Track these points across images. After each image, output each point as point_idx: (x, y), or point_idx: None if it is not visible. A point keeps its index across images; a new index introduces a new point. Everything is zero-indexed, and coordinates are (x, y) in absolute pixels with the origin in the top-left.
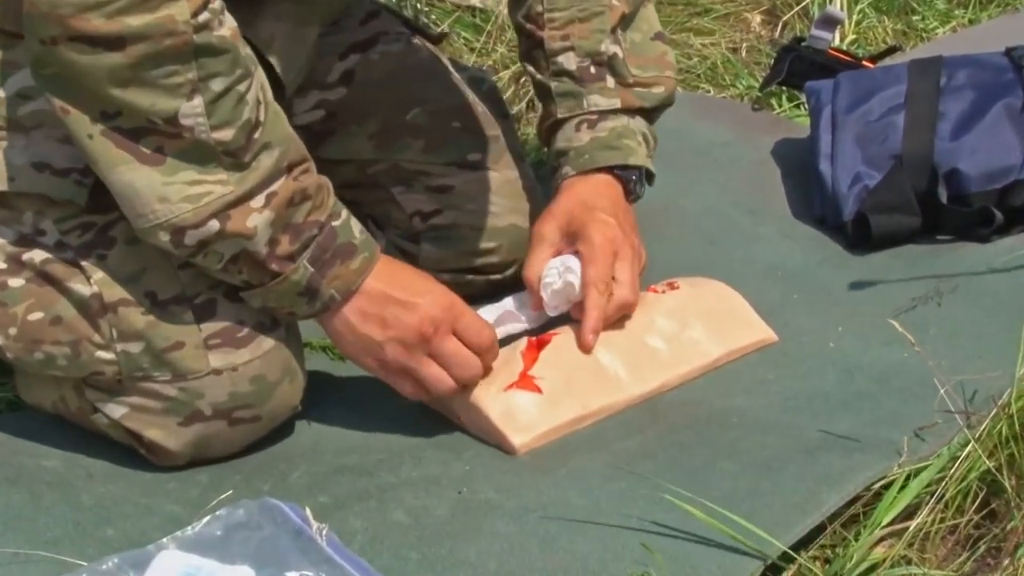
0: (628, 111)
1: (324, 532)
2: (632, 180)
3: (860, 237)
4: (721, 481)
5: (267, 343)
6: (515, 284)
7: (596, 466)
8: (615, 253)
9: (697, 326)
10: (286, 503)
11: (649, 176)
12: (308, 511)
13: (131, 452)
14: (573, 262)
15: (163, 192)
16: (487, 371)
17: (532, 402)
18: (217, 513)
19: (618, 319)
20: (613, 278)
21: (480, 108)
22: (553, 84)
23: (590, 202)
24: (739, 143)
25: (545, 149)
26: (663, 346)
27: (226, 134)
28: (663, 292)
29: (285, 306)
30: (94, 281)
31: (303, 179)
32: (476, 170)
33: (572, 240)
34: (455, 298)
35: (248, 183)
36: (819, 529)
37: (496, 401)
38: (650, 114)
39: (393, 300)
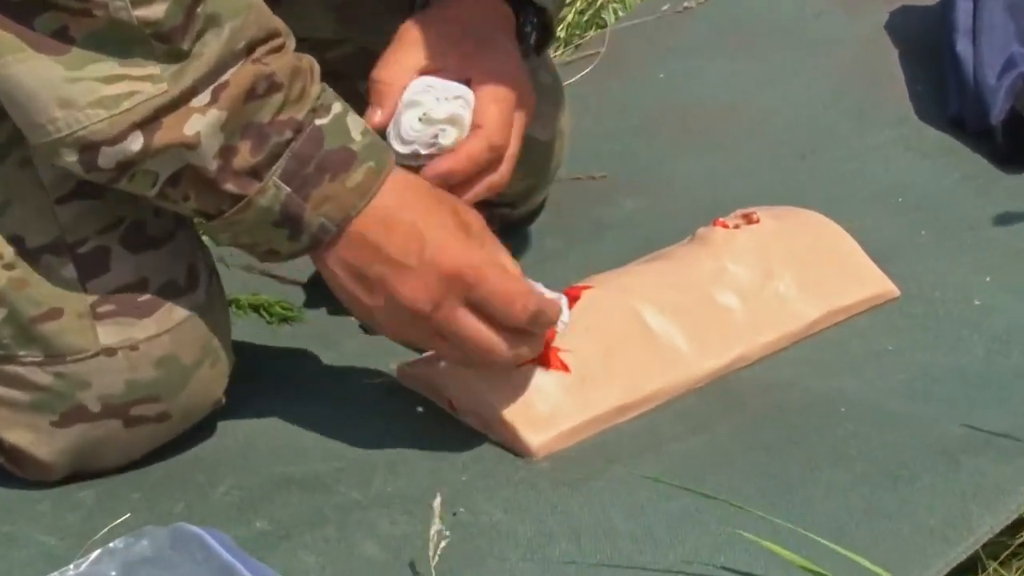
0: None
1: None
2: (528, 22)
3: (1014, 146)
4: (826, 498)
5: (180, 311)
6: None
7: (647, 476)
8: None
9: (786, 276)
10: (208, 530)
11: (545, 30)
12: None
13: None
14: (468, 93)
15: (66, 92)
16: (523, 356)
17: (556, 385)
18: (110, 546)
19: (670, 266)
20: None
21: None
22: None
23: (485, 35)
24: (840, 13)
25: None
26: (738, 304)
27: (155, 10)
28: (736, 227)
29: (260, 242)
30: None
31: (270, 61)
32: None
33: (452, 68)
34: (472, 254)
35: (187, 78)
36: (969, 568)
37: (505, 382)
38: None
39: (381, 255)
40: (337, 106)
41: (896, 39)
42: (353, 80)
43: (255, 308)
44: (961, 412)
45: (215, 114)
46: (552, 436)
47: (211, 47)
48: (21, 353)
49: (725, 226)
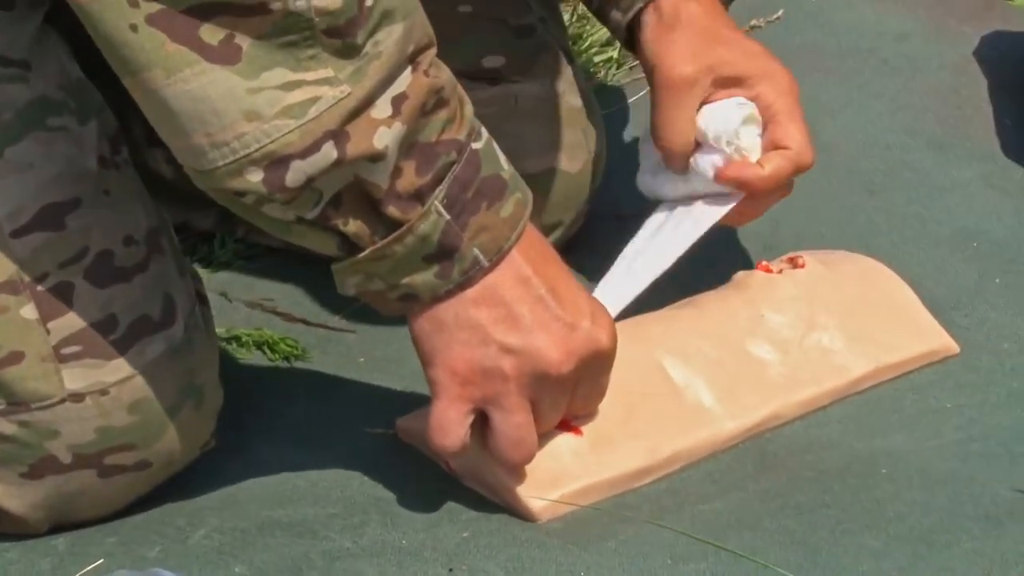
0: None
1: None
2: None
3: None
4: (856, 562)
5: (154, 348)
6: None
7: (665, 537)
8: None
9: (831, 326)
10: (180, 575)
11: None
12: None
13: None
14: (751, 108)
15: (251, 104)
16: None
17: (565, 446)
18: None
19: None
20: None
21: None
22: None
23: (727, 35)
24: (926, 36)
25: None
26: (774, 356)
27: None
28: (779, 272)
29: (400, 283)
30: None
31: (436, 74)
32: (496, 83)
33: (724, 84)
34: (616, 333)
35: (367, 80)
36: None
37: None
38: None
39: (539, 298)
40: (484, 131)
41: (986, 68)
42: None
43: (259, 345)
44: (1016, 474)
45: (399, 128)
46: (555, 499)
47: (387, 46)
48: None
49: (767, 270)
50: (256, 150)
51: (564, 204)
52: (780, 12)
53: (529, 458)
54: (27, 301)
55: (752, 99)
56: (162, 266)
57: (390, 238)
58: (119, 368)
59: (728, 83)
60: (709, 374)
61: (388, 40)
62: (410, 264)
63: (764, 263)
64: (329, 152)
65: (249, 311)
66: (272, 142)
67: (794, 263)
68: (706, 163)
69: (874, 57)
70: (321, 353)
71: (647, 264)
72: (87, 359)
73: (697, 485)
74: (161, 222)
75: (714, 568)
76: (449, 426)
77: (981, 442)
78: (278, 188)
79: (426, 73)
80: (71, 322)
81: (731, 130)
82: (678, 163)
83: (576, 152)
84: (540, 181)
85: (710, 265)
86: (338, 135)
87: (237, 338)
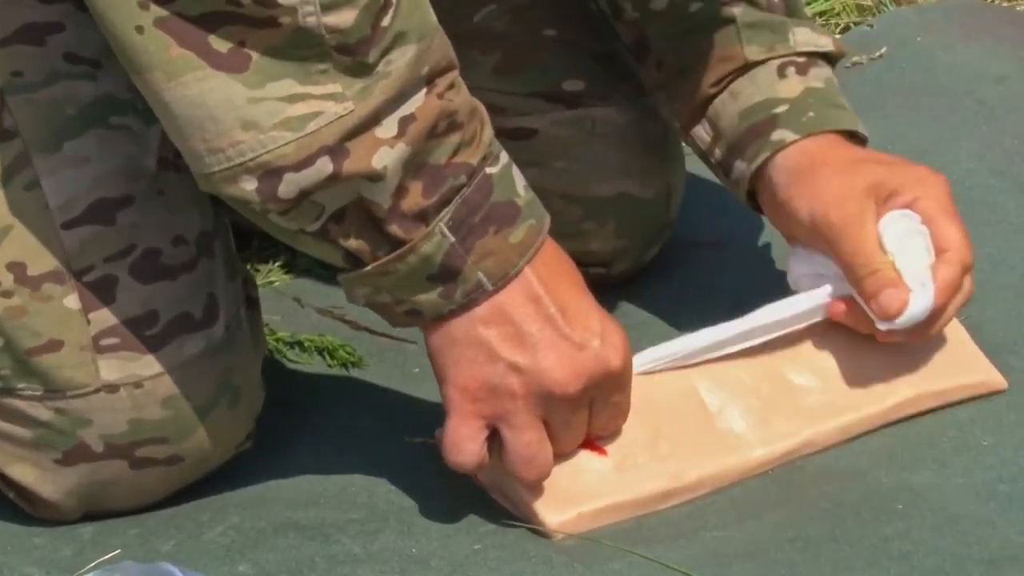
0: (827, 56)
1: None
2: None
3: None
4: None
5: (192, 347)
6: (623, 283)
7: (669, 562)
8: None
9: (876, 351)
10: (187, 571)
11: None
12: None
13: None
14: (911, 219)
15: (250, 113)
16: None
17: (588, 466)
18: None
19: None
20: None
21: (591, 6)
22: (737, 10)
23: (864, 156)
24: None
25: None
26: (813, 383)
27: (344, 17)
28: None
29: (405, 299)
30: None
31: (451, 97)
32: (574, 106)
33: (884, 200)
34: (630, 354)
35: (374, 99)
36: None
37: None
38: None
39: (548, 317)
40: (504, 156)
41: None
42: None
43: (320, 351)
44: None
45: (402, 148)
46: (572, 516)
47: (398, 66)
48: (20, 386)
49: None
50: (251, 159)
51: (635, 230)
52: (883, 49)
53: (542, 476)
54: (71, 291)
55: (910, 206)
56: (210, 268)
57: (392, 256)
58: (155, 363)
59: (888, 199)
60: (744, 400)
61: (400, 60)
62: (414, 282)
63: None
64: (324, 167)
65: (319, 318)
66: (267, 152)
67: None
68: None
69: (970, 98)
70: (378, 362)
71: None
72: (124, 352)
73: (718, 510)
74: (218, 226)
75: None
76: (462, 443)
77: (1009, 484)
78: (271, 198)
79: (440, 96)
80: (112, 315)
81: (922, 270)
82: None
83: (650, 179)
84: (612, 206)
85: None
86: (335, 151)
87: (300, 343)
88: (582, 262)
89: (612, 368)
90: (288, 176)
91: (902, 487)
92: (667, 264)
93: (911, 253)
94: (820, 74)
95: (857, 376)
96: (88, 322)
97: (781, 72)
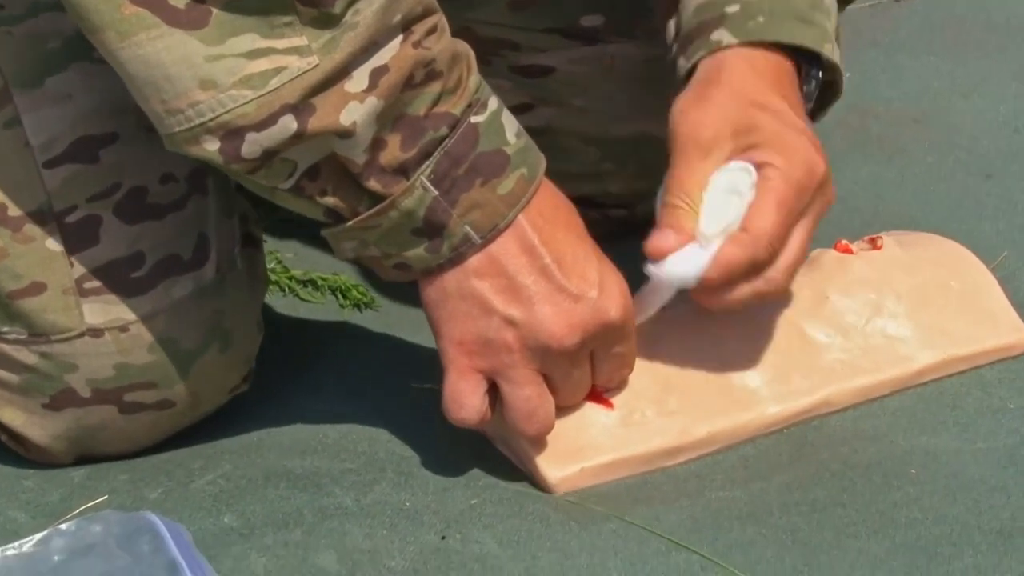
0: None
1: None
2: (812, 78)
3: None
4: (851, 569)
5: (180, 289)
6: (648, 225)
7: (668, 525)
8: (807, 195)
9: (899, 313)
10: (168, 522)
11: (831, 86)
12: (188, 536)
13: None
14: (745, 177)
15: (208, 72)
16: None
17: (593, 419)
18: (62, 527)
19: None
20: None
21: None
22: None
23: (766, 99)
24: None
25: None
26: (834, 341)
27: None
28: (858, 252)
29: (392, 253)
30: None
31: (429, 45)
32: (592, 42)
33: (744, 149)
34: (631, 304)
35: (340, 51)
36: None
37: None
38: None
39: (543, 268)
40: (493, 102)
41: None
42: None
43: (332, 290)
44: None
45: (373, 102)
46: (574, 472)
47: (365, 16)
48: (4, 330)
49: (847, 249)
50: (211, 119)
51: (656, 172)
52: None
53: (543, 431)
54: (53, 233)
55: (758, 168)
56: (202, 206)
57: (373, 211)
58: (141, 306)
59: (746, 149)
60: (761, 355)
61: (368, 10)
62: (399, 237)
63: (844, 242)
64: (288, 125)
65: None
66: (227, 112)
67: (874, 243)
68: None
69: (1007, 34)
70: (391, 303)
71: None
72: (109, 295)
73: (727, 469)
74: None
75: (704, 563)
76: (462, 398)
77: None
78: (235, 158)
79: (416, 44)
80: (96, 256)
81: (717, 232)
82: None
83: (666, 118)
84: (630, 146)
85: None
86: (299, 108)
87: (313, 281)
88: (603, 204)
89: (610, 319)
90: (250, 136)
91: (918, 450)
92: None
93: (721, 210)
94: None
95: (879, 336)
96: (71, 264)
97: None
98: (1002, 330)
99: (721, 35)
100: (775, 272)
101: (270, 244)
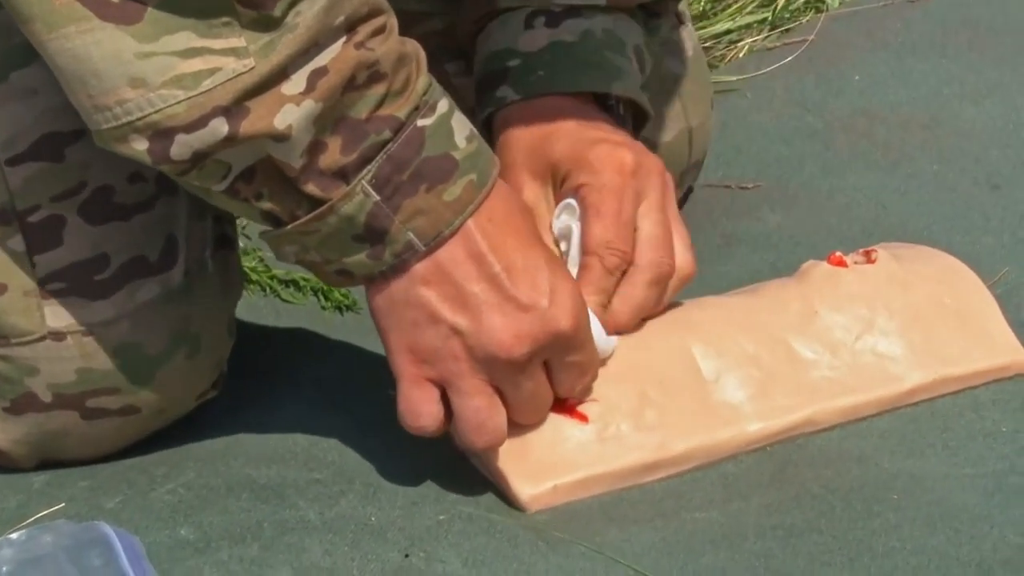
0: (615, 8)
1: None
2: (614, 108)
3: None
4: None
5: (145, 292)
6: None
7: (639, 547)
8: (630, 188)
9: (891, 329)
10: (121, 533)
11: (639, 117)
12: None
13: None
14: (570, 211)
15: (138, 70)
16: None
17: (567, 434)
18: (11, 537)
19: (747, 307)
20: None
21: None
22: None
23: (554, 132)
24: None
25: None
26: (821, 358)
27: None
28: (853, 265)
29: (332, 259)
30: None
31: (373, 46)
32: None
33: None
34: (584, 310)
35: (278, 54)
36: None
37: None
38: (650, 19)
39: (492, 276)
40: (443, 104)
41: None
42: (440, 61)
43: (314, 291)
44: None
45: (310, 105)
46: (547, 489)
47: (305, 18)
48: None
49: (841, 263)
50: (139, 118)
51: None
52: None
53: (494, 443)
54: (15, 233)
55: (576, 192)
56: (171, 206)
57: (311, 216)
58: (104, 309)
59: (563, 181)
60: (743, 370)
61: (309, 12)
62: (339, 242)
63: (838, 254)
64: (218, 128)
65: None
66: (156, 112)
67: (868, 257)
68: None
69: None
70: None
71: None
72: (72, 297)
73: (706, 488)
74: None
75: None
76: (417, 406)
77: (1021, 476)
78: (163, 159)
79: (359, 45)
80: (58, 258)
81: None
82: None
83: (669, 122)
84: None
85: (812, 245)
86: (231, 111)
87: (295, 282)
88: None
89: (560, 329)
90: (180, 137)
91: (903, 474)
92: (700, 207)
93: (571, 243)
94: (577, 26)
95: (868, 354)
96: (33, 265)
97: (528, 22)
98: (998, 350)
99: (505, 92)
100: (645, 258)
101: (252, 242)
